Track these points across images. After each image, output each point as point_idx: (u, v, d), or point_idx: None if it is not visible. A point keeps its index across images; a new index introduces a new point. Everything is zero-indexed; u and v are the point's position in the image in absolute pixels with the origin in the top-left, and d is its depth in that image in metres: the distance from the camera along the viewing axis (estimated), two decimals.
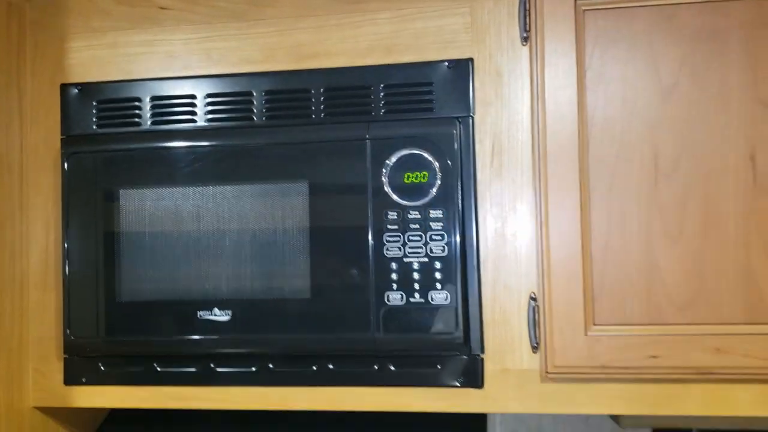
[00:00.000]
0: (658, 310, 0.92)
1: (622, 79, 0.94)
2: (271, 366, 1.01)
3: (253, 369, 1.01)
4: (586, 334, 0.92)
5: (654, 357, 0.90)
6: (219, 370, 1.02)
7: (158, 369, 1.03)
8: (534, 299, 0.95)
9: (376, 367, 0.98)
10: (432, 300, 0.95)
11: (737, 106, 0.91)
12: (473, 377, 0.96)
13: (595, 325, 0.92)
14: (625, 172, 0.93)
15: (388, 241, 0.96)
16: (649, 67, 0.93)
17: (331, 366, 0.99)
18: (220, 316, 1.00)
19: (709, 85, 0.92)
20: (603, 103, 0.94)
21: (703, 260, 0.91)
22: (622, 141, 0.94)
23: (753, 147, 0.91)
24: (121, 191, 1.03)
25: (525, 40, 0.97)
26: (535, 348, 0.95)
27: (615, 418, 1.31)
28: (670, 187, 0.92)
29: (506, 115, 0.98)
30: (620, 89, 0.94)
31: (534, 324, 0.94)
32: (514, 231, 0.97)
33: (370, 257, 0.97)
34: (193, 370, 1.03)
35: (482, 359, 0.96)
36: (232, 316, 0.99)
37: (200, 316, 1.00)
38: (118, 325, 1.03)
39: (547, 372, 0.93)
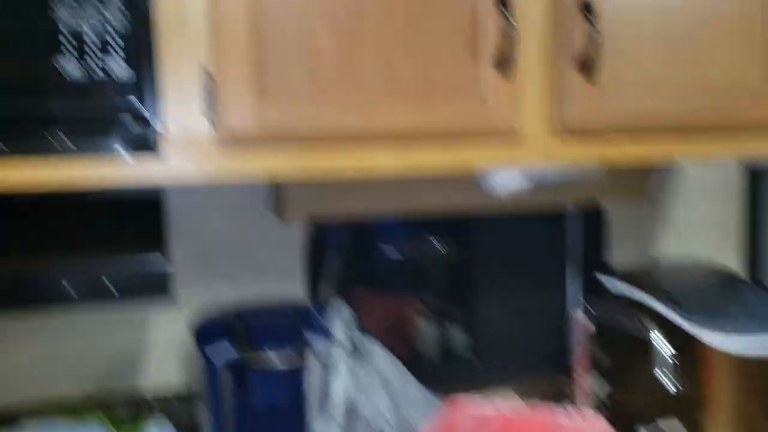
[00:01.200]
0: (316, 83, 1.06)
1: None
2: None
3: None
4: (255, 105, 1.03)
5: (311, 124, 1.06)
6: None
7: None
8: (210, 75, 1.02)
9: (49, 137, 0.97)
10: (111, 71, 0.97)
11: None
12: (151, 148, 1.01)
13: (262, 96, 1.04)
14: None
15: (69, 7, 0.94)
16: None
17: None
18: None
19: None
20: None
21: (353, 47, 1.08)
22: None
23: None
24: None
25: None
26: (211, 120, 1.03)
27: (277, 212, 1.48)
28: None
29: None
30: None
31: (210, 97, 1.03)
32: (194, 10, 1.02)
33: (43, 24, 0.93)
34: None
35: (161, 131, 1.01)
36: None
37: None
38: None
39: (221, 141, 1.03)
